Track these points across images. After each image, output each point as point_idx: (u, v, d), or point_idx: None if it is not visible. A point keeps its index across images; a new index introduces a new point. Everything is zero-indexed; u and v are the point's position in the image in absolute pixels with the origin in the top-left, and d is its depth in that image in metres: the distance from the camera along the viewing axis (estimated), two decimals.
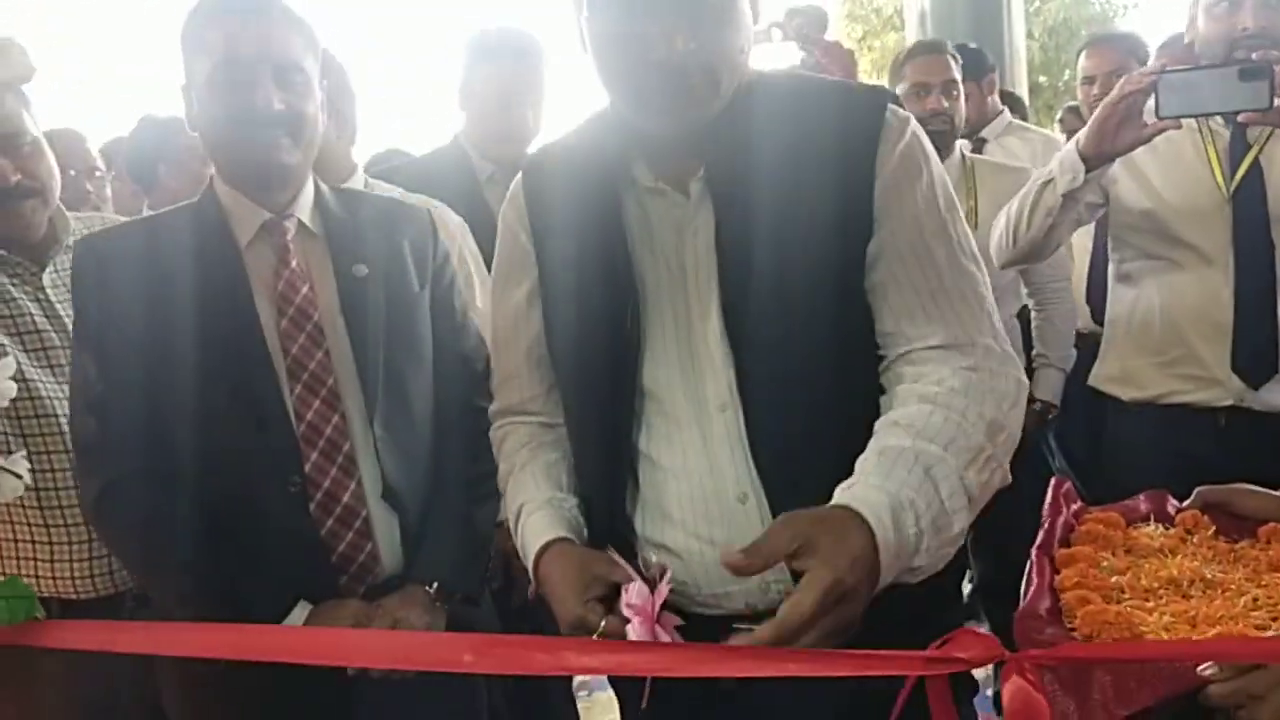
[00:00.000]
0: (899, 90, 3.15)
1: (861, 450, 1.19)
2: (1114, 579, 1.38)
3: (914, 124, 1.30)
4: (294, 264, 1.62)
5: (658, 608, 1.20)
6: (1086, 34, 14.70)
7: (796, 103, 1.30)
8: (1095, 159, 2.09)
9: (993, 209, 2.76)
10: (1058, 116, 5.64)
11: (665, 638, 1.18)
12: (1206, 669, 1.10)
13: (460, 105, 2.64)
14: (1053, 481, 1.75)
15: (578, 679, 3.32)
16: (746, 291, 1.25)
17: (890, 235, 1.26)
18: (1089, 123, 2.10)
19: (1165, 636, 1.21)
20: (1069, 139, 4.10)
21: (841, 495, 1.12)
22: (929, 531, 1.11)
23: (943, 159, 2.93)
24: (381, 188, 2.27)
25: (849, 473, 1.17)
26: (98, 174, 3.08)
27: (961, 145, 3.18)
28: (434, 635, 1.53)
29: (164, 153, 3.10)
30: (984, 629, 3.26)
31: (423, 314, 1.72)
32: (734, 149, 1.26)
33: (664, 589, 1.22)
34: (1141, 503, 1.69)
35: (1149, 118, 2.02)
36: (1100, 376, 2.41)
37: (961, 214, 1.32)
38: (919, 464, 1.13)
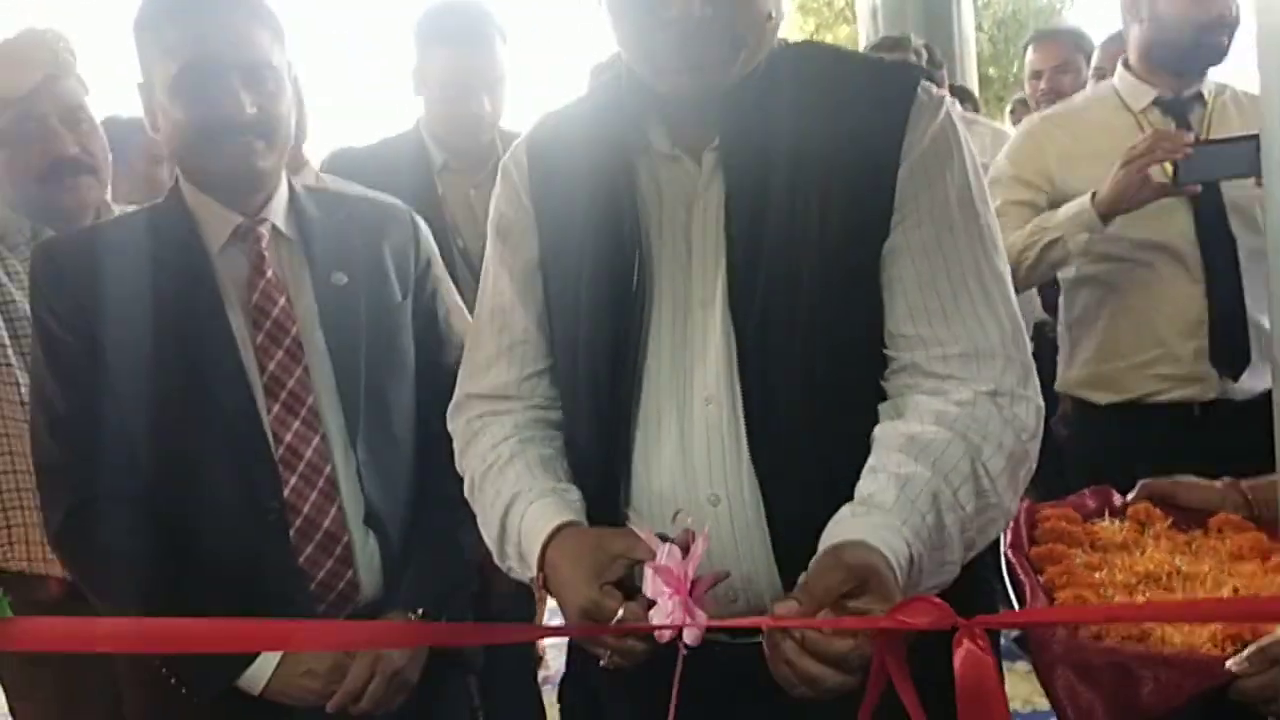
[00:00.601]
0: None
1: (858, 449, 1.15)
2: (1095, 575, 1.39)
3: (949, 104, 1.20)
4: (269, 273, 1.52)
5: (691, 574, 1.04)
6: (1035, 27, 14.92)
7: (823, 75, 1.21)
8: (1110, 215, 2.10)
9: None
10: (1008, 108, 5.74)
11: (702, 616, 1.03)
12: (1235, 664, 1.10)
13: (415, 91, 2.46)
14: None
15: (543, 673, 3.30)
16: (754, 273, 1.17)
17: (914, 226, 1.16)
18: (1108, 185, 2.08)
19: (1172, 633, 1.21)
20: (1018, 126, 4.18)
21: (862, 528, 1.05)
22: (923, 583, 1.07)
23: None
24: (336, 183, 2.16)
25: (845, 471, 1.13)
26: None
27: None
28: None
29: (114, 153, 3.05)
30: None
31: (405, 325, 1.61)
32: (752, 119, 1.18)
33: (698, 552, 1.05)
34: (1088, 498, 1.70)
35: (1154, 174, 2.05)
36: (1070, 381, 2.40)
37: (994, 207, 1.23)
38: (935, 508, 1.07)
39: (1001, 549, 1.51)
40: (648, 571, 1.06)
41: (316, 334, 1.53)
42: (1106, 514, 1.63)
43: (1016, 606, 1.39)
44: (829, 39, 16.47)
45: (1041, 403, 1.18)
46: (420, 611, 1.52)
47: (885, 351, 1.20)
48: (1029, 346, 1.20)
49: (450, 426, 1.40)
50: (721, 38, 1.11)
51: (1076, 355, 2.39)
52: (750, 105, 1.18)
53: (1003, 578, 1.47)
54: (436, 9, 2.40)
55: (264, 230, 1.53)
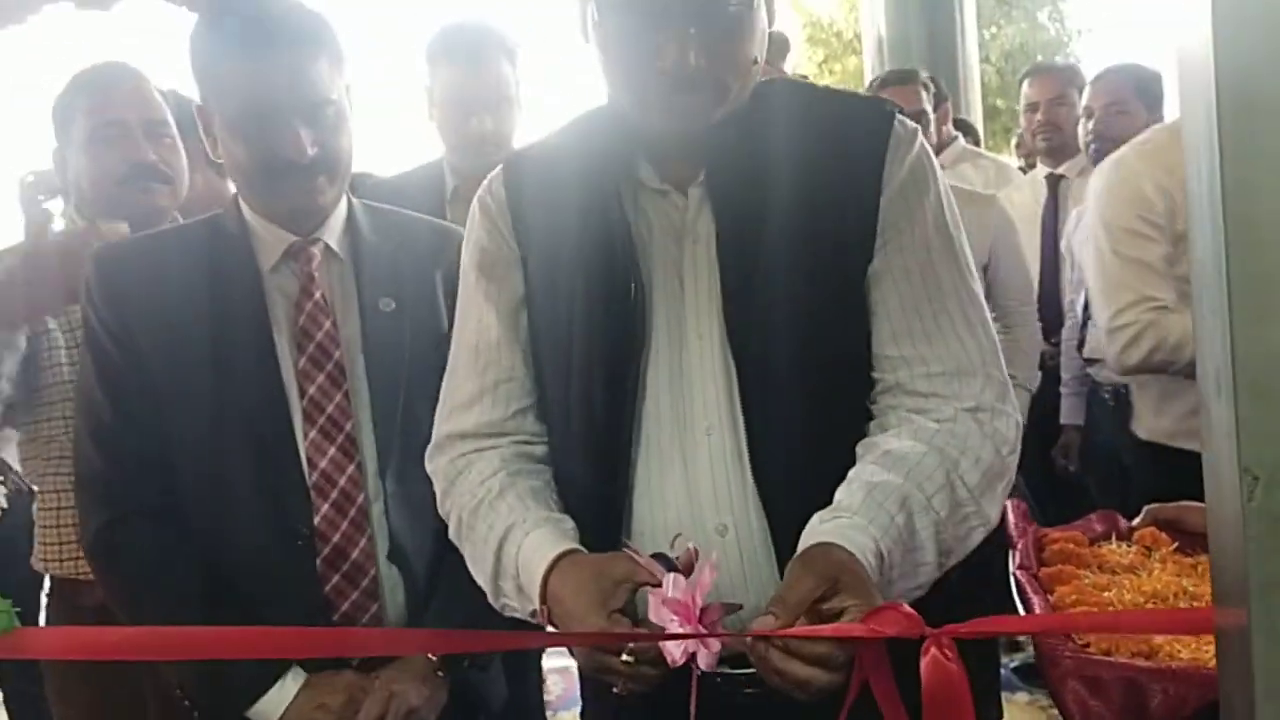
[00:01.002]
0: None
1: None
2: (1104, 594, 1.41)
3: (922, 137, 1.26)
4: (317, 295, 1.52)
5: (699, 601, 1.03)
6: (1043, 59, 14.98)
7: (803, 110, 1.26)
8: None
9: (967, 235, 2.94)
10: (1014, 141, 5.79)
11: (716, 646, 1.02)
12: None
13: (428, 115, 2.41)
14: (1010, 504, 1.80)
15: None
16: (750, 300, 1.20)
17: (896, 252, 1.21)
18: None
19: (1179, 648, 1.24)
20: (1028, 163, 4.22)
21: (828, 531, 1.09)
22: (897, 583, 1.11)
23: None
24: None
25: None
26: None
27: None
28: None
29: None
30: None
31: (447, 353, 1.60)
32: (737, 153, 1.22)
33: (707, 578, 1.04)
34: (1095, 522, 1.73)
35: None
36: (1161, 432, 2.33)
37: (964, 234, 1.28)
38: (904, 511, 1.11)
39: (1010, 570, 1.54)
40: (651, 598, 1.06)
41: (359, 359, 1.52)
42: (1114, 538, 1.66)
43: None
44: (837, 69, 16.57)
45: (1020, 418, 1.22)
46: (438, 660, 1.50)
47: (872, 373, 1.24)
48: (1004, 366, 1.25)
49: (430, 468, 1.37)
50: (712, 86, 1.16)
51: (1169, 406, 2.34)
52: (734, 141, 1.22)
53: (1012, 598, 1.49)
54: (444, 29, 2.38)
55: (316, 250, 1.54)
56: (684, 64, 1.11)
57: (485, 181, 1.36)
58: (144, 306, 1.49)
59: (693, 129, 1.19)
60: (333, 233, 1.56)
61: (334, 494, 1.48)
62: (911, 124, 1.26)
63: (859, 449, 1.21)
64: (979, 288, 1.26)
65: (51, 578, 2.11)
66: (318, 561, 1.47)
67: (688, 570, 1.07)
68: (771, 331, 1.19)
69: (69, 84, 2.04)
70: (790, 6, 17.24)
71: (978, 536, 1.19)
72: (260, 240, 1.53)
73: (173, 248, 1.57)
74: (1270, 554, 0.66)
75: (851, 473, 1.17)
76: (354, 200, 1.62)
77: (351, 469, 1.49)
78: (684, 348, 1.24)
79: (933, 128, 3.25)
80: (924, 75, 3.48)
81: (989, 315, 1.26)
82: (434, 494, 1.41)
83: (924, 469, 1.14)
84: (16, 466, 2.45)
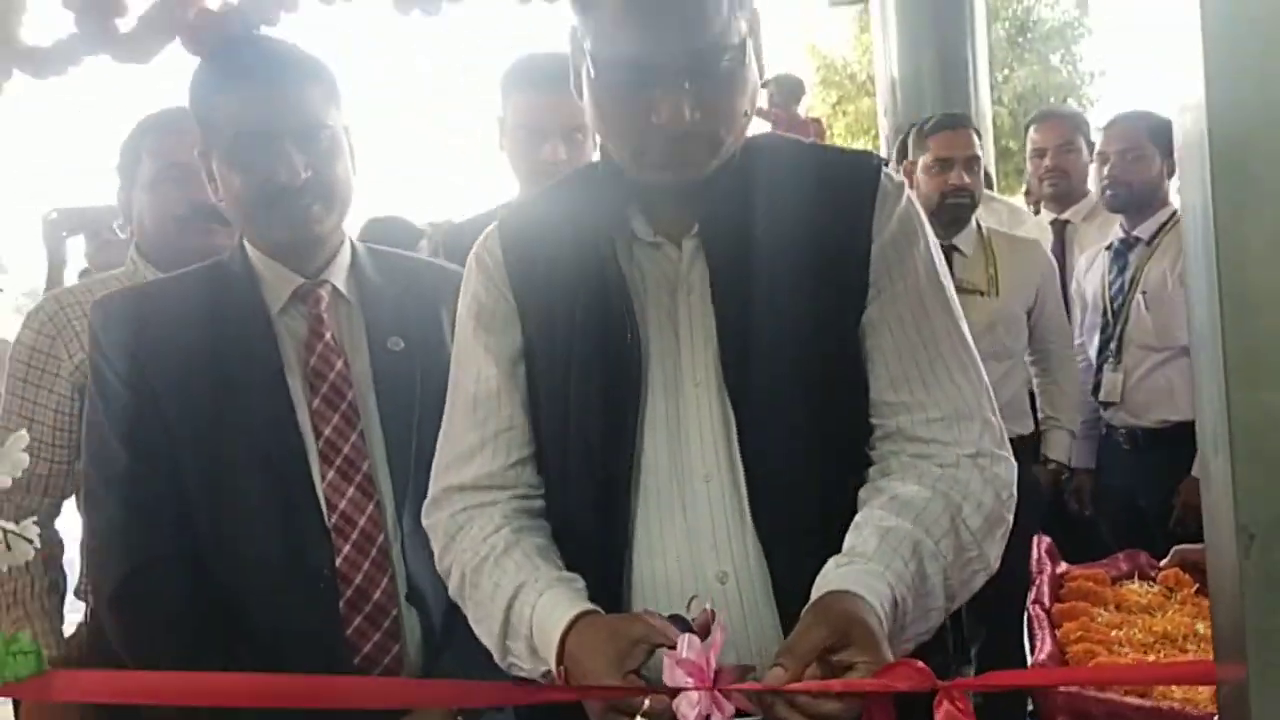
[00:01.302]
0: (921, 161, 3.19)
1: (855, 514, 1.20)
2: (1113, 633, 1.42)
3: (909, 189, 1.29)
4: (328, 335, 1.52)
5: (713, 662, 1.02)
6: (1056, 102, 15.04)
7: (792, 163, 1.29)
8: None
9: (1011, 279, 2.99)
10: (1024, 187, 5.83)
11: (730, 708, 1.01)
12: None
13: (499, 145, 2.35)
14: (1036, 540, 1.80)
15: None
16: (746, 349, 1.22)
17: (890, 301, 1.24)
18: None
19: (1172, 687, 1.25)
20: (1034, 208, 4.24)
21: (845, 577, 1.10)
22: (910, 628, 1.13)
23: (959, 231, 3.06)
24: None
25: (843, 536, 1.17)
26: None
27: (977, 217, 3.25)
28: None
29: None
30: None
31: None
32: (729, 206, 1.24)
33: (719, 638, 1.04)
34: (1121, 561, 1.74)
35: None
36: None
37: (952, 284, 1.31)
38: (916, 557, 1.13)
39: (1026, 605, 1.56)
40: (665, 660, 1.05)
41: (370, 397, 1.53)
42: (1136, 577, 1.67)
43: (1029, 658, 1.43)
44: (851, 110, 16.71)
45: (1014, 461, 1.25)
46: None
47: (870, 419, 1.26)
48: (997, 410, 1.27)
49: (427, 522, 1.36)
50: (706, 140, 1.18)
51: None
52: (726, 193, 1.24)
53: (1022, 631, 1.52)
54: (519, 59, 2.33)
55: (324, 292, 1.55)
56: (679, 119, 1.13)
57: (480, 238, 1.38)
58: (156, 351, 1.48)
59: (687, 181, 1.21)
60: (339, 274, 1.57)
61: (354, 534, 1.48)
62: (898, 177, 1.29)
63: (863, 493, 1.23)
64: (969, 335, 1.28)
65: (90, 611, 2.15)
66: (340, 604, 1.46)
67: (703, 632, 1.06)
68: (768, 378, 1.21)
69: (135, 128, 2.08)
70: (804, 50, 17.43)
71: (980, 580, 1.21)
72: (267, 283, 1.53)
73: (180, 293, 1.57)
74: (1267, 609, 0.69)
75: (860, 517, 1.19)
76: (357, 244, 1.64)
77: (371, 508, 1.49)
78: (680, 397, 1.25)
79: (981, 174, 3.26)
80: (974, 122, 3.50)
81: (979, 360, 1.28)
82: None
83: (930, 514, 1.16)
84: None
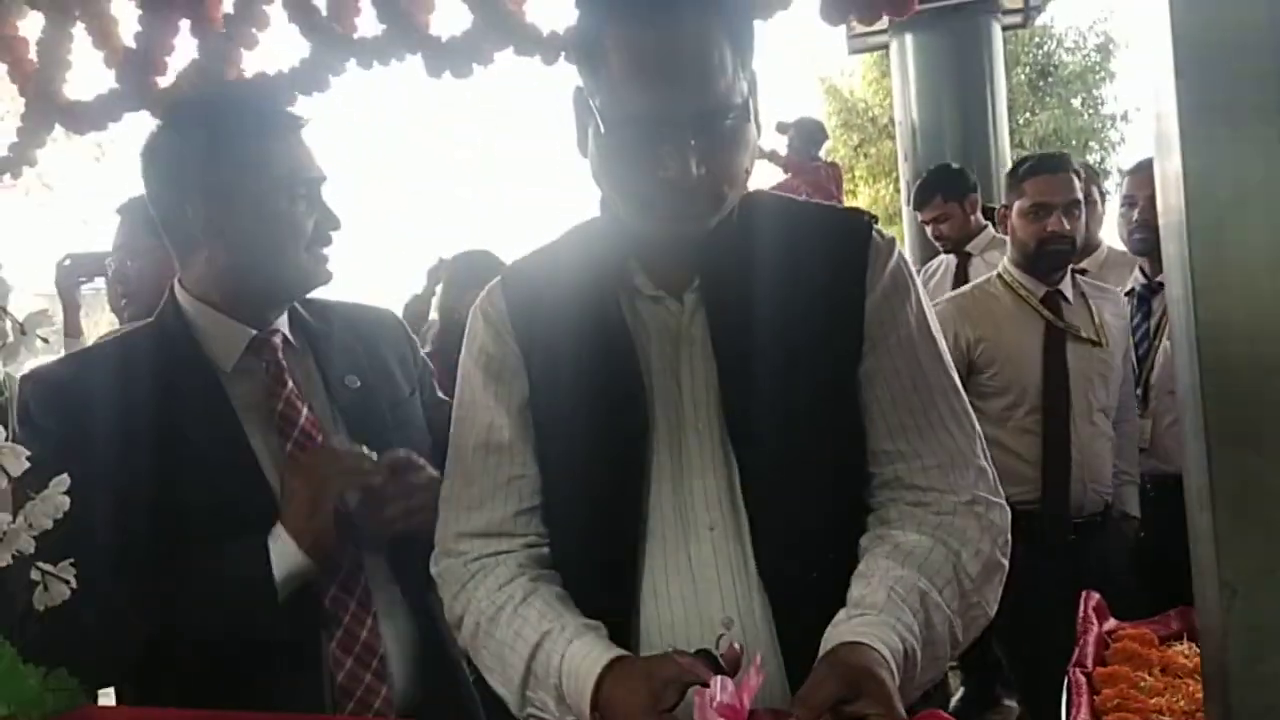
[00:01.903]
0: (1016, 206, 3.02)
1: (857, 561, 1.23)
2: (1153, 700, 1.39)
3: (899, 246, 1.33)
4: (290, 383, 1.54)
5: (747, 704, 1.02)
6: (1076, 145, 15.01)
7: (788, 220, 1.34)
8: None
9: (1110, 327, 2.93)
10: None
11: None
12: None
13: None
14: (1084, 596, 1.76)
15: None
16: (747, 399, 1.25)
17: (885, 353, 1.28)
18: None
19: None
20: None
21: (858, 629, 1.12)
22: (919, 677, 1.15)
23: (1057, 282, 2.96)
24: None
25: (847, 584, 1.20)
26: None
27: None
28: None
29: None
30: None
31: (418, 417, 1.66)
32: (728, 260, 1.28)
33: (754, 680, 1.03)
34: (1172, 619, 1.69)
35: None
36: None
37: (943, 337, 1.34)
38: (923, 607, 1.16)
39: (1069, 665, 1.53)
40: (696, 699, 1.05)
41: (338, 437, 1.54)
42: (1185, 637, 1.63)
43: None
44: (872, 152, 16.80)
45: (1007, 507, 1.28)
46: None
47: (869, 468, 1.30)
48: (988, 453, 1.31)
49: (435, 570, 1.36)
50: (711, 193, 1.22)
51: None
52: (725, 249, 1.29)
53: (1058, 693, 1.50)
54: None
55: (277, 340, 1.56)
56: (686, 174, 1.17)
57: (484, 292, 1.42)
58: (100, 417, 1.42)
59: (690, 235, 1.25)
60: (283, 324, 1.59)
61: (340, 574, 1.50)
62: (889, 234, 1.34)
63: (864, 541, 1.26)
64: (959, 383, 1.33)
65: None
66: (333, 647, 1.47)
67: (732, 667, 1.09)
68: (769, 428, 1.25)
69: None
70: (824, 93, 17.57)
71: (980, 626, 1.24)
72: (213, 340, 1.52)
73: (115, 357, 1.54)
74: (1250, 660, 0.72)
75: (864, 566, 1.22)
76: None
77: (351, 547, 1.50)
78: (684, 446, 1.28)
79: (1083, 219, 3.11)
80: (1077, 162, 3.43)
81: (970, 408, 1.32)
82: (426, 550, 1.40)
83: (932, 564, 1.19)
84: None
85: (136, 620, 1.39)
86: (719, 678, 1.05)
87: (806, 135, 6.53)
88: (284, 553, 1.40)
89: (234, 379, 1.52)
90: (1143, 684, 1.46)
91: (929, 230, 4.50)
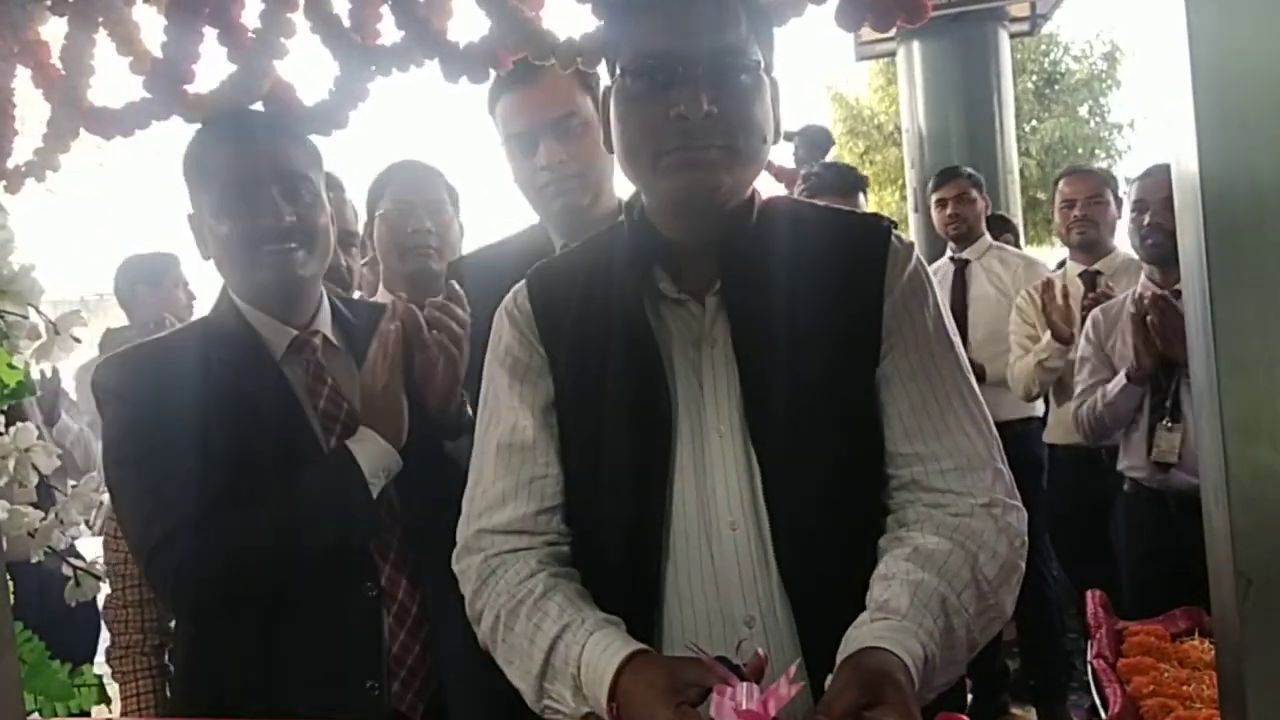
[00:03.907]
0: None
1: (877, 561, 1.25)
2: (1184, 688, 1.41)
3: (917, 251, 1.36)
4: (329, 380, 1.64)
5: (773, 712, 1.01)
6: (1083, 153, 15.01)
7: (807, 225, 1.37)
8: None
9: None
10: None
11: None
12: None
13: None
14: (1090, 594, 1.79)
15: None
16: (768, 399, 1.27)
17: (902, 356, 1.30)
18: None
19: None
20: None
21: (881, 634, 1.13)
22: (936, 680, 1.16)
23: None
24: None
25: (867, 583, 1.22)
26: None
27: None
28: None
29: (141, 276, 3.75)
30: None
31: None
32: (748, 264, 1.31)
33: (785, 690, 1.02)
34: (1179, 618, 1.72)
35: None
36: None
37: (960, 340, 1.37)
38: (944, 612, 1.16)
39: (1088, 659, 1.56)
40: (715, 697, 1.05)
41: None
42: (1197, 634, 1.66)
43: (1103, 714, 1.44)
44: (878, 160, 16.82)
45: (1024, 510, 1.29)
46: None
47: (886, 470, 1.31)
48: (1005, 457, 1.33)
49: (458, 567, 1.38)
50: (722, 140, 1.24)
51: None
52: (745, 252, 1.32)
53: (1089, 687, 1.51)
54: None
55: (317, 341, 1.66)
56: (697, 107, 1.21)
57: (510, 295, 1.45)
58: (175, 399, 1.54)
59: (704, 195, 1.26)
60: (326, 325, 1.70)
61: (392, 554, 1.62)
62: (907, 239, 1.36)
63: (883, 542, 1.28)
64: (976, 386, 1.34)
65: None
66: (388, 619, 1.59)
67: (755, 676, 1.08)
68: (790, 426, 1.27)
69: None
70: (830, 100, 17.59)
71: (996, 628, 1.25)
72: (265, 334, 1.64)
73: (181, 347, 1.64)
74: (1266, 651, 0.74)
75: (885, 568, 1.23)
76: (334, 297, 1.77)
77: (400, 531, 1.63)
78: (706, 446, 1.31)
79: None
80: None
81: (988, 411, 1.34)
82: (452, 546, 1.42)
83: (951, 567, 1.20)
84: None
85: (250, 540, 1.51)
86: (745, 684, 1.05)
87: (811, 143, 6.54)
88: (366, 449, 1.55)
89: (285, 365, 1.64)
90: (1166, 674, 1.48)
91: (947, 211, 4.39)
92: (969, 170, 4.57)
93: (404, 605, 1.61)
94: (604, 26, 1.39)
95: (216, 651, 1.61)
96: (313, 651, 1.55)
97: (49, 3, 1.63)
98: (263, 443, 1.55)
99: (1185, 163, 0.76)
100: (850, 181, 3.73)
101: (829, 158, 6.88)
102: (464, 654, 1.57)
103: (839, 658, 1.14)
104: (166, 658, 2.24)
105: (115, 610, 2.19)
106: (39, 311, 1.07)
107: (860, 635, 1.15)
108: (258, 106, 1.65)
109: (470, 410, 1.63)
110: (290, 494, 1.53)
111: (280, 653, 1.56)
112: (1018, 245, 5.25)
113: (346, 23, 1.51)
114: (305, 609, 1.56)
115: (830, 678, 1.11)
